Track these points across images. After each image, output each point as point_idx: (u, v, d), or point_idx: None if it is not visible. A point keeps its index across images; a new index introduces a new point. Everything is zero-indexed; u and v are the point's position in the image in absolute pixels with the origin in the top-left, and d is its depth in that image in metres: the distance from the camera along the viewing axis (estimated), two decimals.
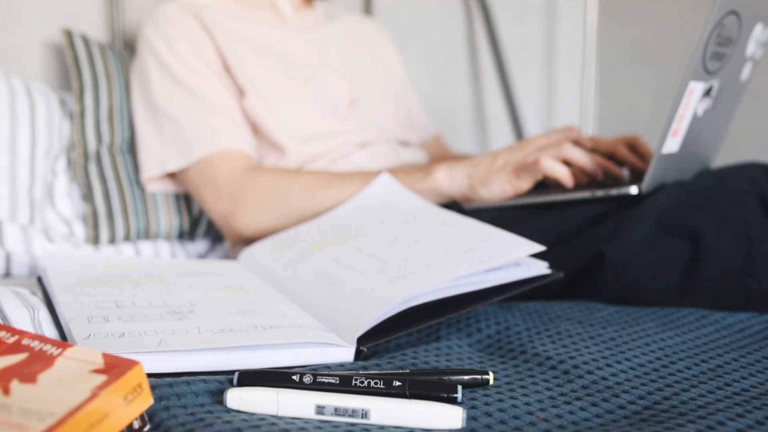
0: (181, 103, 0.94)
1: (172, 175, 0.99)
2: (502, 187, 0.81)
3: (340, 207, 0.84)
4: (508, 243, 0.63)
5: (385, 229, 0.72)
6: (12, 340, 0.41)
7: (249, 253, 0.79)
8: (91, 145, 0.99)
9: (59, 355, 0.40)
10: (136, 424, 0.39)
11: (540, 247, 0.61)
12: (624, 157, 0.89)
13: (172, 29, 0.96)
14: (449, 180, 0.84)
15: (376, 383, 0.44)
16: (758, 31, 0.81)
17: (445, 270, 0.59)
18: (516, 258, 0.61)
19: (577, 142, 0.84)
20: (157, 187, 1.00)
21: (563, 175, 0.79)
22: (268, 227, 0.88)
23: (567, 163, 0.81)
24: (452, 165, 0.85)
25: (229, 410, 0.42)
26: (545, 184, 0.90)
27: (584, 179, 0.85)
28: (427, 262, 0.61)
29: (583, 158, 0.81)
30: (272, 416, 0.42)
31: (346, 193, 0.85)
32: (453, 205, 0.85)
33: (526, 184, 0.81)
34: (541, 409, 0.44)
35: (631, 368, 0.51)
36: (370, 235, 0.71)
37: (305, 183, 0.88)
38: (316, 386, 0.45)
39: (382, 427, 0.41)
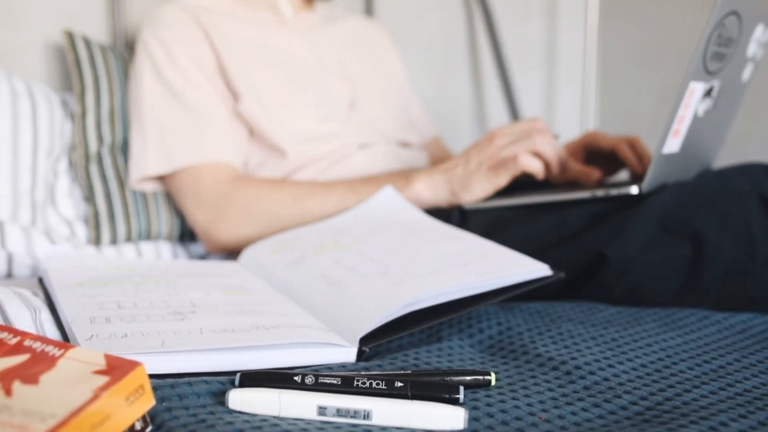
0: (169, 110, 0.94)
1: (161, 178, 0.99)
2: (482, 186, 0.82)
3: (342, 215, 0.84)
4: (511, 261, 0.63)
5: (387, 239, 0.72)
6: (14, 341, 0.42)
7: (250, 253, 0.79)
8: (93, 145, 0.99)
9: (61, 356, 0.40)
10: (138, 426, 0.39)
11: (544, 267, 0.62)
12: (625, 156, 0.89)
13: (169, 33, 0.96)
14: (430, 190, 0.85)
15: (378, 384, 0.44)
16: (759, 31, 0.80)
17: (449, 277, 0.59)
18: (520, 277, 0.61)
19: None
20: (147, 186, 0.99)
21: (537, 170, 0.81)
22: (251, 237, 0.88)
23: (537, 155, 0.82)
24: (430, 174, 0.85)
25: (231, 411, 0.42)
26: (546, 185, 0.91)
27: (556, 176, 0.85)
28: (430, 270, 0.62)
29: (551, 152, 0.82)
30: (274, 417, 0.42)
31: (330, 201, 0.86)
32: (453, 207, 0.85)
33: (503, 179, 0.82)
34: (544, 410, 0.44)
35: (633, 369, 0.51)
36: (372, 242, 0.71)
37: (289, 192, 0.88)
38: (318, 387, 0.45)
39: (384, 428, 0.41)
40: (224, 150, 0.93)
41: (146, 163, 0.94)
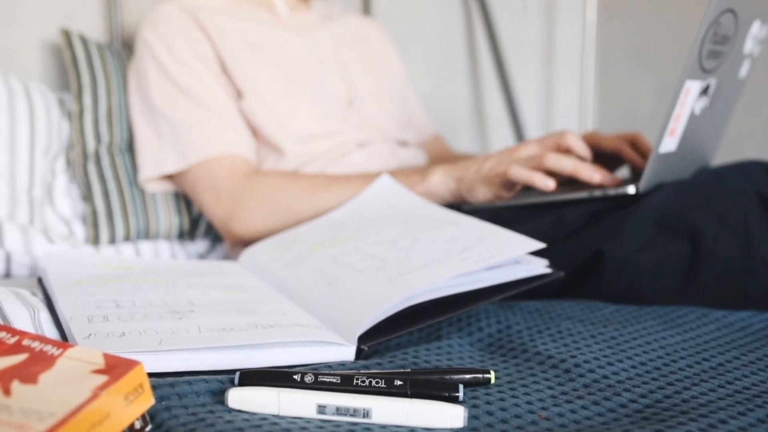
0: (180, 105, 0.93)
1: (170, 176, 0.99)
2: (484, 194, 0.83)
3: (341, 208, 0.84)
4: (507, 241, 0.63)
5: (384, 230, 0.72)
6: (13, 340, 0.41)
7: (249, 253, 0.79)
8: (90, 144, 0.99)
9: (60, 355, 0.40)
10: (138, 425, 0.39)
11: (539, 244, 0.61)
12: (629, 157, 0.89)
13: (169, 29, 0.96)
14: (443, 186, 0.85)
15: (377, 382, 0.44)
16: (756, 28, 0.80)
17: (445, 268, 0.59)
18: (515, 255, 0.61)
19: (569, 150, 0.83)
20: (156, 187, 0.99)
21: (534, 179, 0.77)
22: (268, 230, 0.89)
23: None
24: (447, 168, 0.85)
25: (231, 410, 0.42)
26: None
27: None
28: (426, 261, 0.61)
29: (565, 166, 0.78)
30: (274, 416, 0.42)
31: (346, 195, 0.86)
32: (452, 204, 0.86)
33: (505, 192, 0.81)
34: (543, 408, 0.44)
35: (632, 367, 0.51)
36: (370, 235, 0.71)
37: (304, 185, 0.88)
38: (318, 386, 0.44)
39: (383, 427, 0.41)
40: (237, 141, 0.93)
41: (164, 162, 0.94)
